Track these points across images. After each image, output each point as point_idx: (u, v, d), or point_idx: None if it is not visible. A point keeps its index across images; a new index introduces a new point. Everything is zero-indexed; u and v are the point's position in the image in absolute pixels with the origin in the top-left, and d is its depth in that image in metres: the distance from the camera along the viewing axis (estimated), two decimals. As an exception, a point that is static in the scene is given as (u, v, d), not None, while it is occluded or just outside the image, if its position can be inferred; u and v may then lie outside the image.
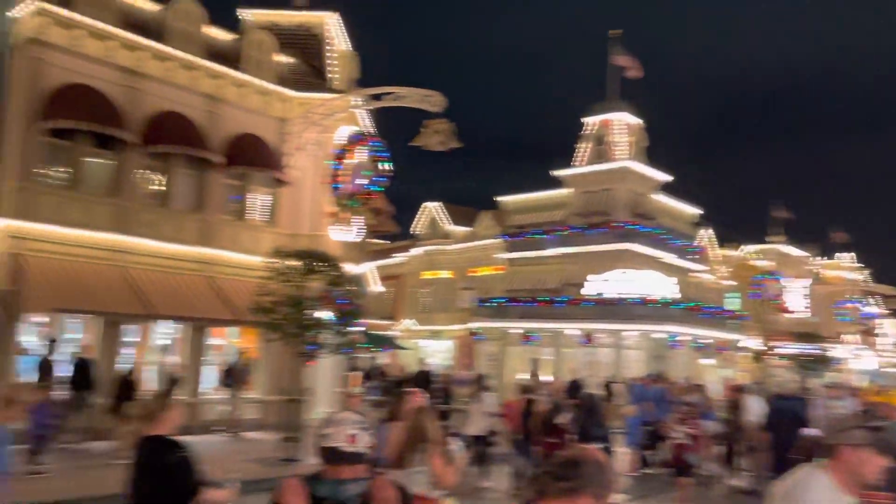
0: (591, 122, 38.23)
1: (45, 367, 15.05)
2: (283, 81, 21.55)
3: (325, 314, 17.20)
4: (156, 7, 19.38)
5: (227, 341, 20.33)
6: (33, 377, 14.72)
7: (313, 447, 2.96)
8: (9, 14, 16.62)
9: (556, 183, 38.03)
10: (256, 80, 20.72)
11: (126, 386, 15.27)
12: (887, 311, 63.87)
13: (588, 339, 31.52)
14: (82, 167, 17.48)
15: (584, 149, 38.21)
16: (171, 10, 19.29)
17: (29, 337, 16.44)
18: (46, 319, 16.73)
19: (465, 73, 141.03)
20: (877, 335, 60.82)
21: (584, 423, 9.59)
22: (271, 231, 20.71)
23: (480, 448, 13.28)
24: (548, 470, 2.46)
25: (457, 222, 42.43)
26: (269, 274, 15.99)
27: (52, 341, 15.90)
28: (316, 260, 16.02)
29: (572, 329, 32.16)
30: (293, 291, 15.54)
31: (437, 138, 17.97)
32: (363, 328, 24.47)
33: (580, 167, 37.58)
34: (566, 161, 38.25)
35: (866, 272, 61.55)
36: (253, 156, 20.07)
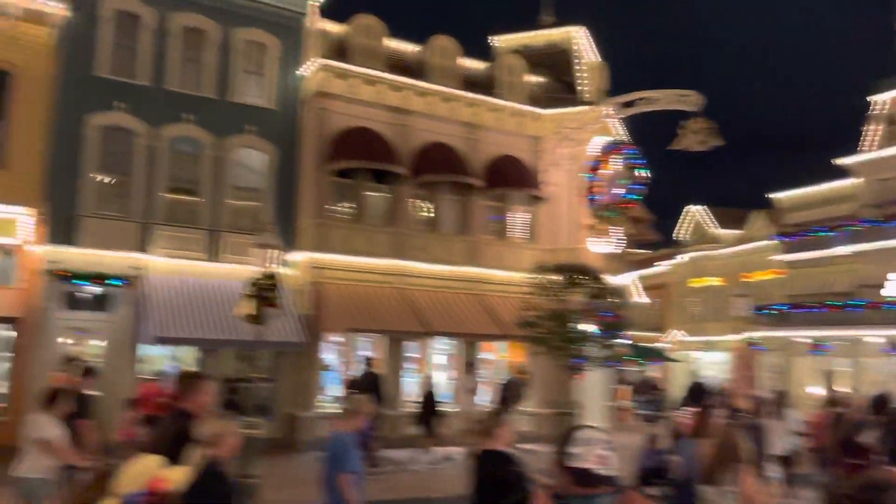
0: (880, 99, 33.59)
1: (360, 382, 16.62)
2: (535, 101, 22.10)
3: (590, 327, 17.18)
4: (415, 47, 21.04)
5: (496, 356, 21.15)
6: (335, 391, 16.61)
7: (552, 462, 2.84)
8: (297, 73, 19.18)
9: (839, 174, 33.92)
10: (510, 103, 21.51)
11: (430, 400, 16.57)
12: None
13: (894, 347, 27.53)
14: (363, 201, 19.52)
15: (873, 131, 33.68)
16: (429, 49, 20.83)
17: (329, 355, 18.60)
18: (342, 339, 18.79)
19: (723, 65, 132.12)
20: None
21: (892, 443, 8.42)
22: (532, 247, 21.23)
23: (786, 469, 12.26)
24: (848, 493, 2.24)
25: (724, 225, 39.76)
26: (531, 289, 16.41)
27: (369, 359, 17.25)
28: (576, 273, 16.13)
29: (873, 336, 28.32)
30: (556, 305, 15.77)
31: (696, 138, 17.14)
32: (629, 340, 23.94)
33: (870, 152, 33.15)
34: (849, 148, 33.98)
35: None
36: (511, 176, 20.81)
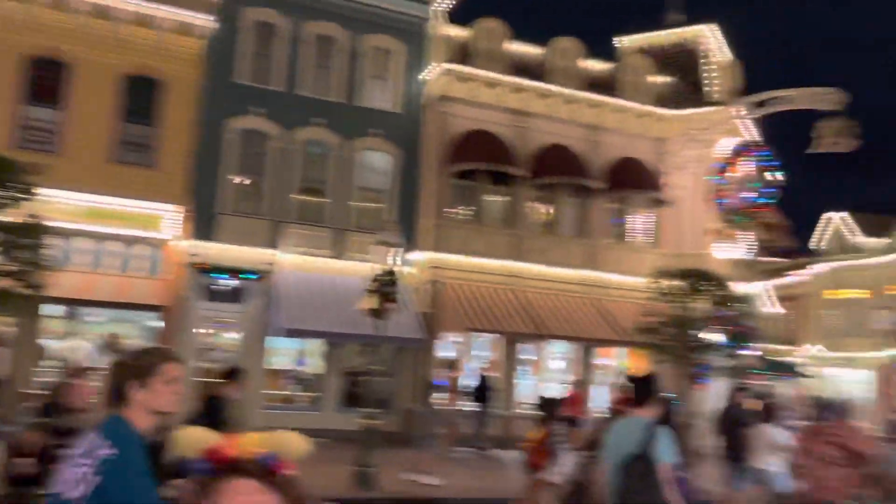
0: None
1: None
2: (660, 101, 21.51)
3: (714, 336, 16.52)
4: (538, 49, 21.01)
5: (615, 361, 20.71)
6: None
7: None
8: (420, 77, 19.67)
9: None
10: (634, 104, 21.05)
11: (550, 405, 16.54)
12: None
13: None
14: (482, 203, 19.73)
15: None
16: (550, 50, 20.75)
17: (446, 353, 18.91)
18: (460, 339, 19.05)
19: (867, 61, 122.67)
20: None
21: None
22: (653, 252, 20.65)
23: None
24: None
25: (868, 233, 36.93)
26: (652, 294, 15.98)
27: (454, 361, 17.86)
28: (700, 279, 15.56)
29: None
30: (678, 312, 15.27)
31: (833, 139, 16.08)
32: (758, 352, 22.77)
33: None
34: None
35: None
36: (633, 179, 20.35)
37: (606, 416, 13.81)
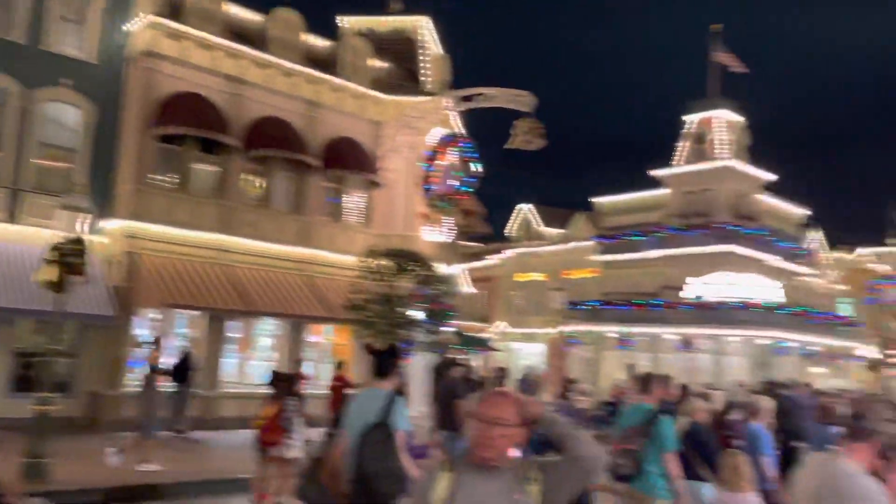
0: (691, 119, 37.06)
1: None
2: (378, 85, 22.06)
3: (418, 313, 17.48)
4: (257, 17, 20.25)
5: (324, 339, 20.94)
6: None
7: None
8: (124, 27, 17.80)
9: (655, 183, 37.01)
10: (352, 85, 21.30)
11: (283, 381, 15.93)
12: None
13: (686, 344, 30.46)
14: (190, 171, 18.49)
15: (683, 148, 37.07)
16: (271, 20, 20.12)
17: (143, 331, 17.49)
18: (160, 315, 17.73)
19: (563, 73, 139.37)
20: None
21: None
22: (365, 231, 21.21)
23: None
24: None
25: (550, 224, 42.07)
26: (362, 273, 16.40)
27: (157, 339, 16.52)
28: (407, 259, 16.32)
29: (670, 334, 31.19)
30: (385, 290, 15.87)
31: (525, 138, 17.91)
32: (456, 329, 24.65)
33: (679, 167, 36.46)
34: (665, 161, 37.19)
35: None
36: (349, 158, 20.63)
37: (332, 392, 14.10)
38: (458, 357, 32.11)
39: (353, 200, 21.64)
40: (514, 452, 2.75)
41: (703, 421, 7.42)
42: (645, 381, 6.92)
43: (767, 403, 8.25)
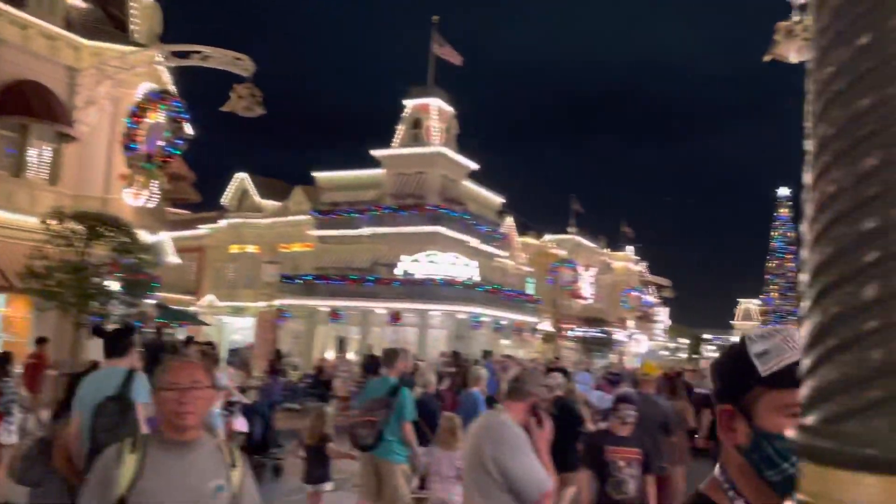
0: (409, 104, 38.68)
1: None
2: (74, 27, 19.54)
3: (113, 284, 16.01)
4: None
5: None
6: None
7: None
8: None
9: (375, 163, 38.09)
10: (42, 22, 18.58)
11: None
12: (660, 300, 71.43)
13: (395, 318, 32.05)
14: None
15: (401, 131, 38.61)
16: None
17: None
18: None
19: (291, 43, 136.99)
20: (654, 321, 67.75)
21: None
22: (54, 190, 18.78)
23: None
24: None
25: (269, 196, 41.11)
26: (45, 237, 14.55)
27: None
28: (102, 224, 14.80)
29: (381, 308, 32.52)
30: (74, 257, 14.24)
31: (242, 103, 17.22)
32: (158, 301, 23.05)
33: (396, 149, 37.94)
34: (386, 141, 38.43)
35: (644, 264, 68.12)
36: (34, 105, 18.02)
37: (28, 370, 12.81)
38: (165, 332, 30.25)
39: (39, 154, 19.00)
40: (241, 426, 2.79)
41: (431, 392, 8.73)
42: (389, 356, 7.48)
43: (483, 373, 9.37)
